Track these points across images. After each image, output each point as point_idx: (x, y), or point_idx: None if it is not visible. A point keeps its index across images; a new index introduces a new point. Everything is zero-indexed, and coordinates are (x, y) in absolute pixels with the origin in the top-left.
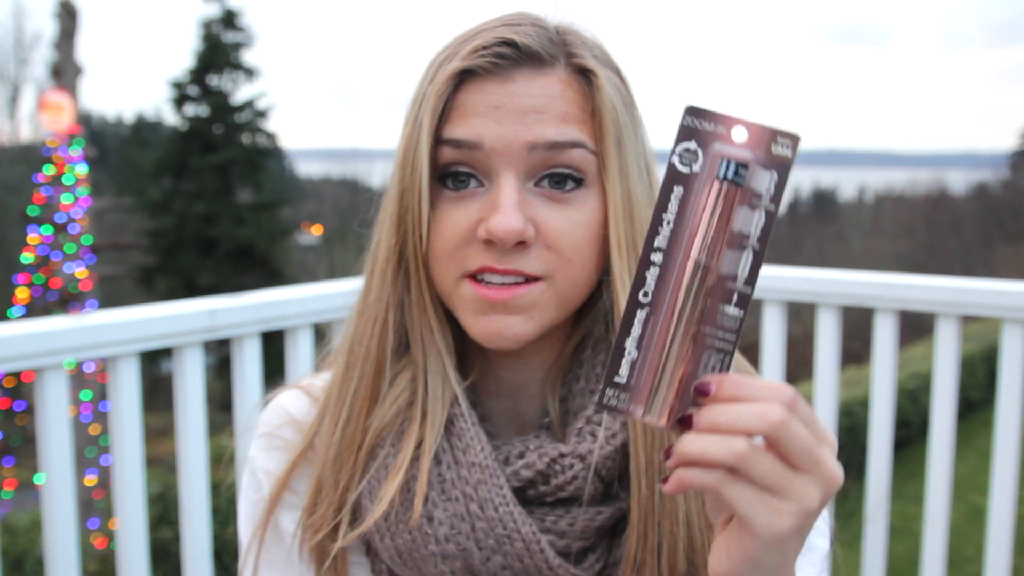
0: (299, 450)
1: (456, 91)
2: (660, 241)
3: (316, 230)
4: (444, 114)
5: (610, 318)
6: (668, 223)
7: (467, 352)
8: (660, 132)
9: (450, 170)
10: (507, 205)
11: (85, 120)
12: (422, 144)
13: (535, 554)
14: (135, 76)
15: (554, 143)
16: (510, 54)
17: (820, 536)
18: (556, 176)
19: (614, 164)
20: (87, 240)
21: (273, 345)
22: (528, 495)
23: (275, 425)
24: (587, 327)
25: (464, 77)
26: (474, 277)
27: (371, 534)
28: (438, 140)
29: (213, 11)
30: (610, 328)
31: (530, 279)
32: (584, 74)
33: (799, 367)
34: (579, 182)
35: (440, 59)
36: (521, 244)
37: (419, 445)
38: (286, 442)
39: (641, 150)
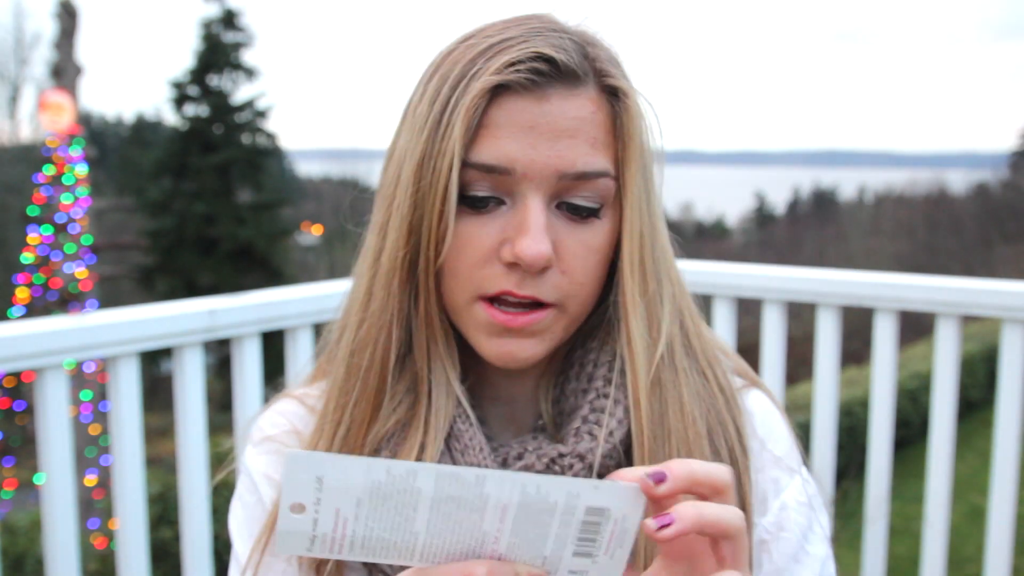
0: None
1: (487, 105)
2: None
3: (316, 230)
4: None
5: (616, 337)
6: None
7: (463, 358)
8: (655, 131)
9: (473, 193)
10: (536, 229)
11: (85, 120)
12: (449, 161)
13: None
14: (135, 76)
15: (583, 174)
16: (547, 71)
17: (821, 543)
18: (578, 206)
19: (633, 189)
20: (87, 240)
21: (273, 345)
22: None
23: (276, 432)
24: (581, 332)
25: (496, 91)
26: (490, 300)
27: None
28: (465, 161)
29: (213, 11)
30: (613, 345)
31: (544, 305)
32: (614, 94)
33: (799, 367)
34: (600, 208)
35: (466, 64)
36: (542, 268)
37: (420, 451)
38: (288, 448)
39: (655, 172)
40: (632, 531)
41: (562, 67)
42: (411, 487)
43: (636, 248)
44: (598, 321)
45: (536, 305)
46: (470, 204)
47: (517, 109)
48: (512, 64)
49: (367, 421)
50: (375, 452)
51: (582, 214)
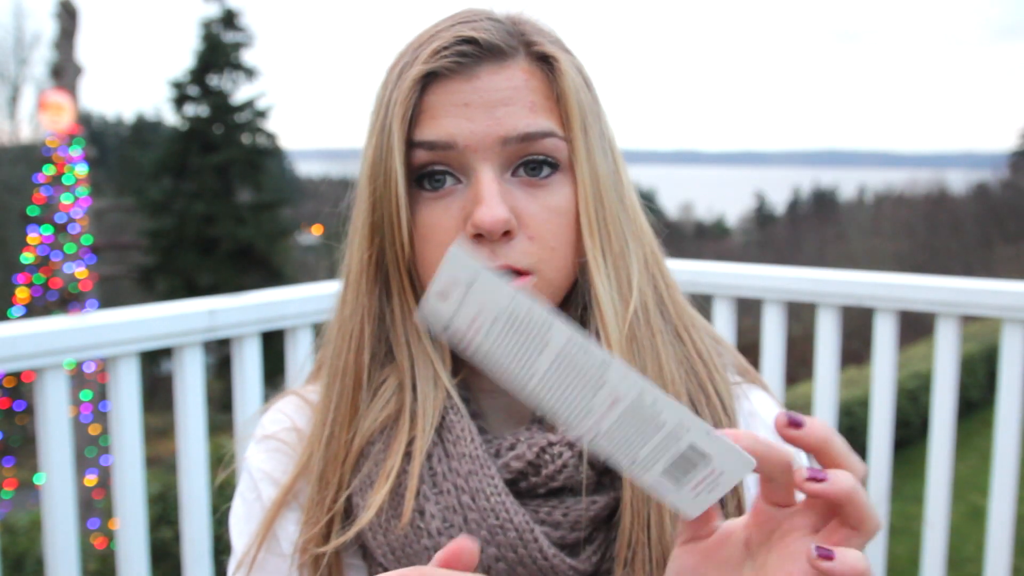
0: (302, 461)
1: (422, 95)
2: None
3: (316, 230)
4: (412, 119)
5: (587, 300)
6: None
7: (456, 352)
8: (655, 131)
9: (425, 171)
10: (489, 196)
11: (85, 120)
12: (394, 151)
13: (529, 543)
14: (135, 76)
15: (526, 135)
16: (471, 51)
17: None
18: (532, 163)
19: (581, 147)
20: (87, 240)
21: (273, 345)
22: (520, 487)
23: (276, 429)
24: (568, 313)
25: (428, 80)
26: None
27: (364, 533)
28: (410, 144)
29: (213, 11)
30: (588, 310)
31: (520, 273)
32: (545, 60)
33: (799, 367)
34: (554, 167)
35: (400, 65)
36: (506, 235)
37: (410, 443)
38: (288, 446)
39: (604, 131)
40: (725, 487)
41: (485, 44)
42: (543, 333)
43: (593, 206)
44: (578, 298)
45: (513, 274)
46: (427, 186)
47: (449, 91)
48: (438, 52)
49: (347, 422)
50: (368, 447)
51: (538, 175)
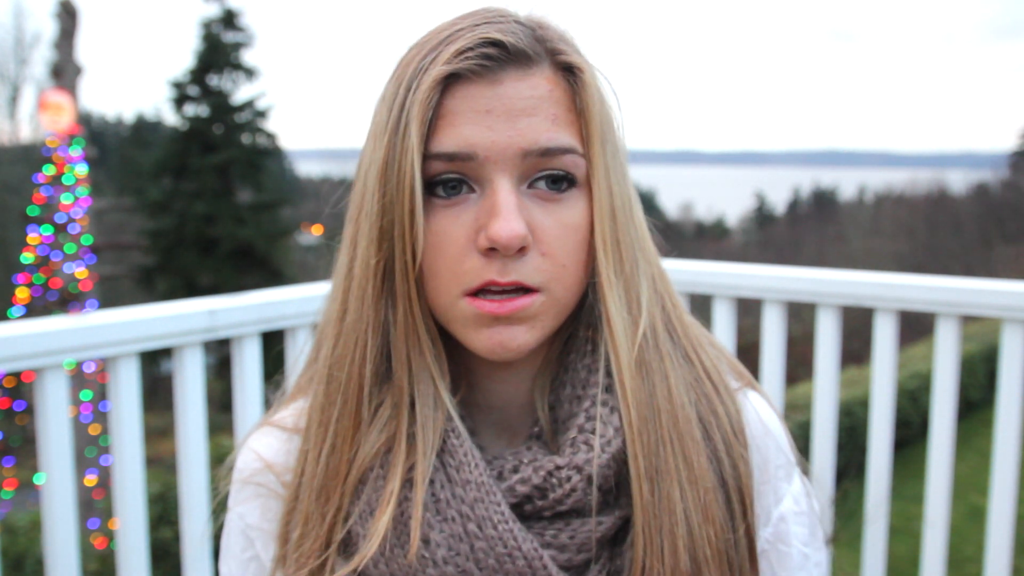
0: (288, 499)
1: (441, 97)
2: None
3: (316, 230)
4: (430, 123)
5: (595, 319)
6: None
7: (453, 367)
8: (655, 131)
9: (440, 178)
10: (507, 210)
11: (85, 120)
12: (409, 155)
13: (538, 571)
14: (135, 76)
15: (546, 150)
16: (496, 55)
17: (818, 550)
18: (551, 178)
19: (600, 165)
20: (87, 240)
21: (273, 345)
22: (525, 510)
23: (249, 472)
24: (570, 328)
25: (449, 81)
26: (474, 294)
27: (365, 562)
28: (427, 154)
29: (213, 11)
30: (596, 329)
31: (529, 290)
32: (569, 71)
33: (799, 367)
34: (571, 183)
35: (418, 62)
36: (520, 250)
37: (411, 468)
38: (267, 489)
39: (620, 146)
40: None
41: (511, 49)
42: None
43: (608, 225)
44: (587, 317)
45: (521, 291)
46: (441, 193)
47: (471, 95)
48: (461, 52)
49: (350, 438)
50: (367, 472)
51: (556, 190)
